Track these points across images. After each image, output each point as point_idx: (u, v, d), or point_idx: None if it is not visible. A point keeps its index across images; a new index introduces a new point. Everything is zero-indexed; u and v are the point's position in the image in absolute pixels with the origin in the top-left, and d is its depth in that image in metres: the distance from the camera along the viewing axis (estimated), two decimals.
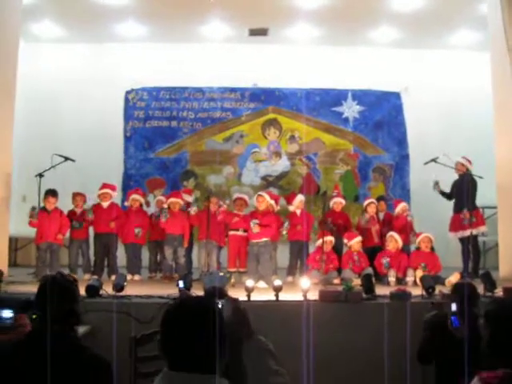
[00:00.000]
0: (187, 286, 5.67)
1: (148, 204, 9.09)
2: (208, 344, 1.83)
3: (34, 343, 2.47)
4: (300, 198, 8.32)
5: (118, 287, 5.53)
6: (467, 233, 7.83)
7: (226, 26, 10.23)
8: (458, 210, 8.16)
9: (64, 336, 2.55)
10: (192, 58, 10.85)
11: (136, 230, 8.15)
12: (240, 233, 7.75)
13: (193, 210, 7.87)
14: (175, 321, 1.90)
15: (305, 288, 5.44)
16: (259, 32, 10.49)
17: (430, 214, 9.38)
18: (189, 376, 1.85)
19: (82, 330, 4.93)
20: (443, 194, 8.48)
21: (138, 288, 6.44)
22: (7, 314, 4.53)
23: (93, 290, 5.42)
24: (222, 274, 5.79)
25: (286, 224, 8.01)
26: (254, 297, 5.55)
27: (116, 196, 8.57)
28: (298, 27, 10.25)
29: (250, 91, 11.29)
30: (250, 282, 5.57)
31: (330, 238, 7.76)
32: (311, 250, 8.28)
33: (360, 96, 11.33)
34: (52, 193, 7.72)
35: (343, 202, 8.58)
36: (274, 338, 4.93)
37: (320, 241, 7.57)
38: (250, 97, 11.31)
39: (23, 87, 8.85)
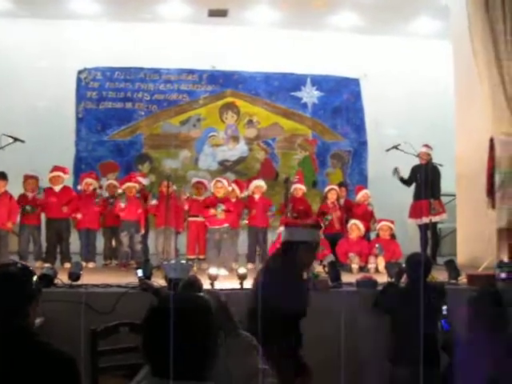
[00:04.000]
0: (147, 275, 5.44)
1: (101, 188, 8.76)
2: (200, 347, 1.64)
3: None
4: (255, 184, 8.24)
5: (74, 276, 5.25)
6: (427, 219, 7.89)
7: (184, 6, 9.90)
8: (418, 197, 8.19)
9: (18, 330, 2.28)
10: (148, 37, 10.47)
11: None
12: (200, 219, 7.57)
13: (153, 203, 7.64)
14: (163, 321, 1.68)
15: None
16: (219, 13, 10.23)
17: (386, 201, 9.38)
18: None
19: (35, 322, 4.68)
20: (402, 180, 8.50)
21: (93, 276, 6.17)
22: None
23: (47, 280, 5.12)
24: (183, 261, 5.59)
25: (246, 212, 7.94)
26: (217, 285, 5.39)
27: (68, 179, 8.23)
28: (259, 9, 10.03)
29: (207, 73, 11.03)
30: (213, 270, 5.41)
31: None
32: (270, 235, 8.19)
33: (319, 81, 11.24)
34: (1, 175, 7.30)
35: (304, 188, 8.48)
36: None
37: (281, 228, 7.44)
38: (208, 79, 11.05)
39: None
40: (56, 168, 7.93)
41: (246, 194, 8.33)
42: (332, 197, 8.25)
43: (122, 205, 7.57)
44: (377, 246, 7.42)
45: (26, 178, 7.70)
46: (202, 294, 2.41)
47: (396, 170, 8.34)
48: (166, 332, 1.63)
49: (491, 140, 7.28)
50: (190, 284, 3.46)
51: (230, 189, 7.86)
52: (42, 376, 2.22)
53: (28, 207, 7.55)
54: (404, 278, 5.13)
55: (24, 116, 9.85)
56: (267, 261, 4.51)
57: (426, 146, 8.22)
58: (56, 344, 2.44)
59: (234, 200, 7.80)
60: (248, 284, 5.46)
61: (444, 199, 9.48)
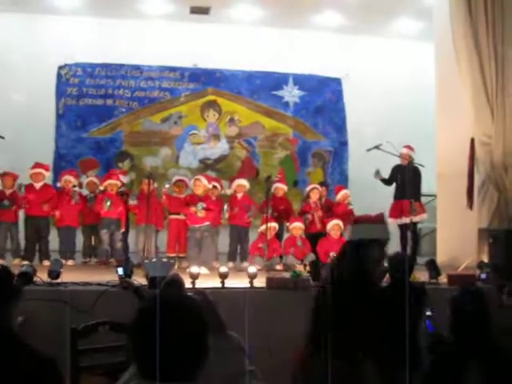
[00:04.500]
0: (127, 273, 5.37)
1: (80, 186, 8.67)
2: (189, 348, 1.61)
3: None
4: (237, 182, 8.24)
5: (54, 274, 5.16)
6: (407, 220, 7.92)
7: (166, 3, 9.86)
8: (398, 197, 8.22)
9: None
10: (130, 34, 10.38)
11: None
12: (181, 217, 7.52)
13: (132, 201, 7.58)
14: (151, 322, 1.63)
15: (252, 274, 5.30)
16: (201, 10, 10.18)
17: (366, 201, 9.42)
18: None
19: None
20: (384, 180, 8.52)
21: (72, 274, 6.09)
22: None
23: (26, 277, 5.03)
24: (165, 259, 5.53)
25: (226, 207, 7.92)
26: (198, 284, 5.35)
27: (48, 177, 8.14)
28: (241, 7, 10.03)
29: (189, 71, 10.97)
30: (194, 269, 5.36)
31: (273, 225, 7.64)
32: (252, 234, 8.17)
33: (301, 80, 11.25)
34: None
35: (285, 187, 8.47)
36: None
37: (263, 227, 7.44)
38: (190, 77, 10.99)
39: None
40: (37, 165, 7.84)
41: (228, 192, 8.32)
42: (314, 196, 8.27)
43: (108, 204, 7.50)
44: None
45: (3, 175, 7.59)
46: (190, 293, 2.37)
47: (378, 172, 8.33)
48: (155, 333, 1.60)
49: (472, 141, 7.34)
50: (173, 283, 3.42)
51: (210, 186, 7.83)
52: (22, 377, 2.18)
53: (6, 202, 7.43)
54: (386, 278, 5.14)
55: (3, 112, 9.69)
56: (333, 261, 4.25)
57: (408, 146, 8.23)
58: (36, 343, 2.39)
59: (214, 198, 7.77)
60: (229, 283, 5.45)
61: (424, 199, 9.57)
